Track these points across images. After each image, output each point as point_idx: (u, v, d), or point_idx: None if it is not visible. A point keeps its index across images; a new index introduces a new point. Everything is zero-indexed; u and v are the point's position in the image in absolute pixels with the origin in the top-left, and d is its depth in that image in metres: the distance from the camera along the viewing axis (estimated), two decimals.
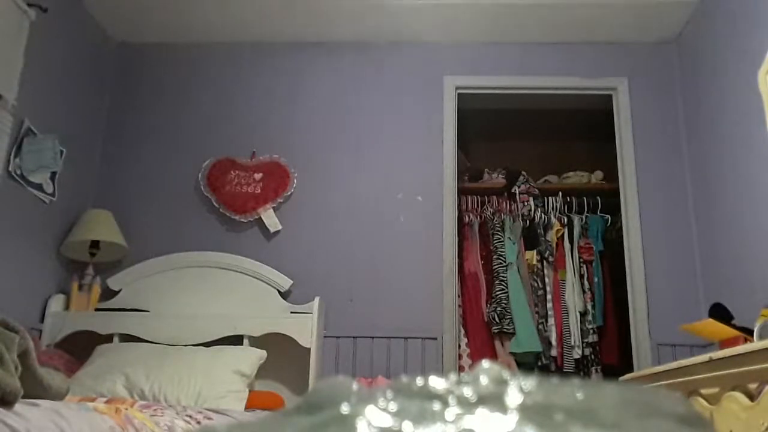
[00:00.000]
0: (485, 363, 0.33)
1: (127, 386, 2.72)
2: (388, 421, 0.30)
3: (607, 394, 0.30)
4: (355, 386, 0.34)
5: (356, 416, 0.31)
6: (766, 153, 2.71)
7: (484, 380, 0.31)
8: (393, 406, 0.31)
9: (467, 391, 0.31)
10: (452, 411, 0.30)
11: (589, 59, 3.74)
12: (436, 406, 0.31)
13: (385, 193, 3.58)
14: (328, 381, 0.36)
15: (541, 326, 3.79)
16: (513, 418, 0.29)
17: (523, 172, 4.26)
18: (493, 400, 0.30)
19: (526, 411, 0.29)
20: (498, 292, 3.78)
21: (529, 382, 0.31)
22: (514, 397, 0.30)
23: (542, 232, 4.03)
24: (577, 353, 3.72)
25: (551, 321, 3.78)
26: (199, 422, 2.10)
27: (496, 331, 3.70)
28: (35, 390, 1.45)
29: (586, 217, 4.10)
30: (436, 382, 0.33)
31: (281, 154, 3.64)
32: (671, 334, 3.19)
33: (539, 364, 3.78)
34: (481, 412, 0.30)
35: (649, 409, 0.29)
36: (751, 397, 1.51)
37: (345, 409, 0.32)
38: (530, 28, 3.66)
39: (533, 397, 0.30)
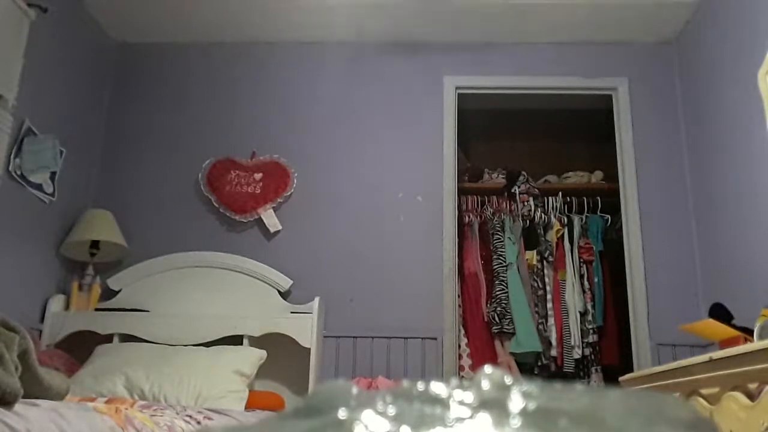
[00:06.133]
0: (487, 368, 0.33)
1: (127, 386, 2.72)
2: (385, 425, 0.30)
3: (612, 399, 0.30)
4: (354, 390, 0.33)
5: (354, 421, 0.31)
6: (766, 153, 2.71)
7: (485, 385, 0.31)
8: (391, 410, 0.31)
9: (468, 396, 0.31)
10: (452, 415, 0.30)
11: (589, 59, 3.74)
12: (436, 410, 0.31)
13: (385, 193, 3.58)
14: (327, 384, 0.35)
15: (541, 326, 3.79)
16: (516, 422, 0.28)
17: (523, 172, 4.26)
18: (495, 404, 0.30)
19: (529, 416, 0.29)
20: (498, 292, 3.78)
21: (532, 387, 0.31)
22: (516, 401, 0.30)
23: (542, 232, 4.03)
24: (577, 353, 3.71)
25: (551, 321, 3.78)
26: (199, 422, 2.10)
27: (496, 331, 3.70)
28: (35, 390, 1.44)
29: (586, 217, 4.10)
30: (437, 387, 0.32)
31: (281, 154, 3.64)
32: (671, 334, 3.19)
33: (539, 364, 3.78)
34: (483, 416, 0.29)
35: (655, 415, 0.28)
36: (751, 397, 1.50)
37: (343, 413, 0.31)
38: (530, 28, 3.66)
39: (536, 402, 0.30)
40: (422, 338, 3.33)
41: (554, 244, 3.98)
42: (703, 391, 1.80)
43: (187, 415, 2.10)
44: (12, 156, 2.94)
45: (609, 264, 3.98)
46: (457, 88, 3.74)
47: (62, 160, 3.27)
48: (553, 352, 3.73)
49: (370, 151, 3.66)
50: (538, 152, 4.66)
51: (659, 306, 3.36)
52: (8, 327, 1.37)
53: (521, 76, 3.74)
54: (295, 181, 3.59)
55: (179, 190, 3.63)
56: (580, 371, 3.78)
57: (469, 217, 4.07)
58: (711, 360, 1.66)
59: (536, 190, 4.21)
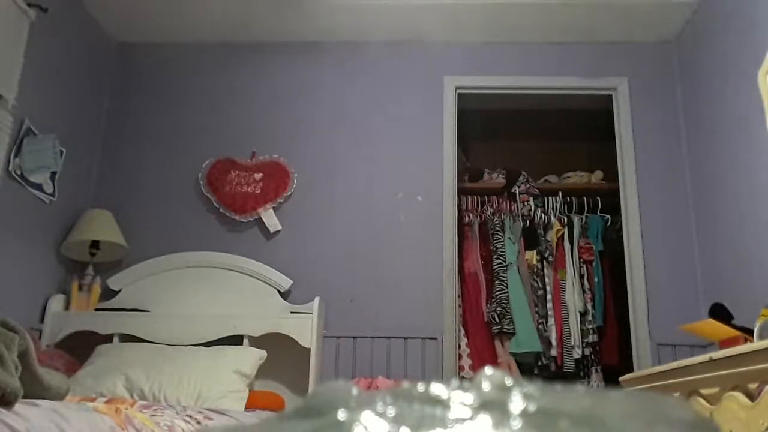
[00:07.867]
0: (488, 368, 0.33)
1: (127, 386, 2.72)
2: (385, 426, 0.30)
3: (613, 401, 0.30)
4: (354, 390, 0.33)
5: (353, 422, 0.30)
6: (766, 153, 2.71)
7: (486, 386, 0.31)
8: (391, 411, 0.31)
9: (469, 397, 0.31)
10: (453, 416, 0.30)
11: (589, 59, 3.74)
12: (437, 411, 0.31)
13: (385, 192, 3.58)
14: (327, 385, 0.35)
15: (541, 326, 3.79)
16: (516, 424, 0.28)
17: (523, 172, 4.26)
18: (496, 406, 0.30)
19: (530, 417, 0.29)
20: (498, 292, 3.78)
21: (533, 388, 0.31)
22: (517, 403, 0.30)
23: (542, 232, 4.03)
24: (577, 353, 3.71)
25: (551, 321, 3.77)
26: (199, 422, 2.09)
27: (496, 331, 3.70)
28: (35, 390, 1.44)
29: (586, 217, 4.10)
30: (437, 388, 0.32)
31: (281, 154, 3.64)
32: (671, 334, 3.19)
33: (539, 364, 3.78)
34: (483, 417, 0.29)
35: (657, 416, 0.28)
36: (751, 397, 1.50)
37: (342, 414, 0.31)
38: (530, 28, 3.66)
39: (537, 404, 0.29)
40: (422, 338, 3.33)
41: (554, 244, 3.97)
42: (703, 391, 1.80)
43: (187, 415, 2.10)
44: (12, 156, 2.94)
45: (609, 264, 3.98)
46: (457, 88, 3.74)
47: (62, 160, 3.27)
48: (553, 352, 3.73)
49: (370, 151, 3.66)
50: (538, 152, 4.65)
51: (659, 306, 3.35)
52: (8, 327, 1.37)
53: (521, 76, 3.74)
54: (295, 181, 3.59)
55: (179, 190, 3.63)
56: (580, 371, 3.78)
57: (469, 217, 4.07)
58: (711, 360, 1.66)
59: (536, 190, 4.21)
